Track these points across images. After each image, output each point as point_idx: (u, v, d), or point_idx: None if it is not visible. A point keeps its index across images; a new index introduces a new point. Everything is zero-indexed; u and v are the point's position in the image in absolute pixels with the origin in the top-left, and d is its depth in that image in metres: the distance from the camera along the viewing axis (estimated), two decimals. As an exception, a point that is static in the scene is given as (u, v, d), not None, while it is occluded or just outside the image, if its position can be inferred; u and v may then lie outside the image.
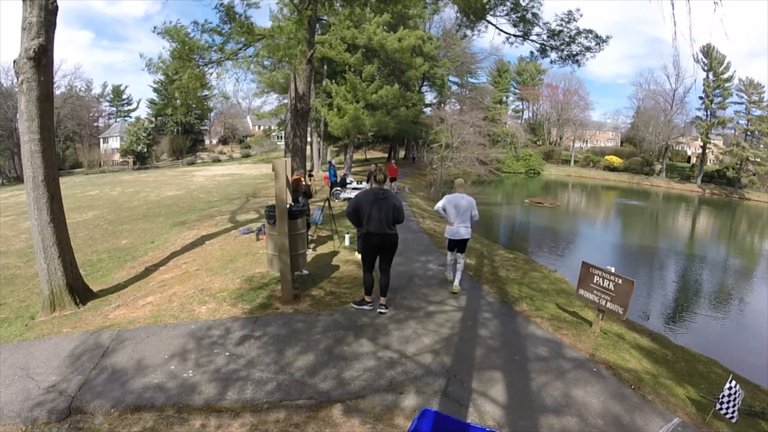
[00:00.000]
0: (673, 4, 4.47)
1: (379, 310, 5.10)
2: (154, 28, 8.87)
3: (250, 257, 7.33)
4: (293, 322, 4.82)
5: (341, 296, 5.69)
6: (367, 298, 5.22)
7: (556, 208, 26.08)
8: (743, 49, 79.63)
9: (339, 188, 15.84)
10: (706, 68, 45.42)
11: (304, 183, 7.33)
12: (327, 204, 9.30)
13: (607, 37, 10.44)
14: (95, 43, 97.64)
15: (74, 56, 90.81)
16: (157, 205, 15.27)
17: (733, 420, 3.48)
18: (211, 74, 10.19)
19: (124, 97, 61.48)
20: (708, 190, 44.80)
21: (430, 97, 41.91)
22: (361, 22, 19.52)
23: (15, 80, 5.29)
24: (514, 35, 11.23)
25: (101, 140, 55.22)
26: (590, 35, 10.49)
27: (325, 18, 11.84)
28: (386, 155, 44.17)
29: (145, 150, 49.29)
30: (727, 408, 3.47)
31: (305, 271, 6.48)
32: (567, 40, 10.68)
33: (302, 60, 9.50)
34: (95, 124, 57.41)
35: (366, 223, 4.92)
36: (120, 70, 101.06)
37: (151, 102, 54.08)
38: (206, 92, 48.47)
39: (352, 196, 13.78)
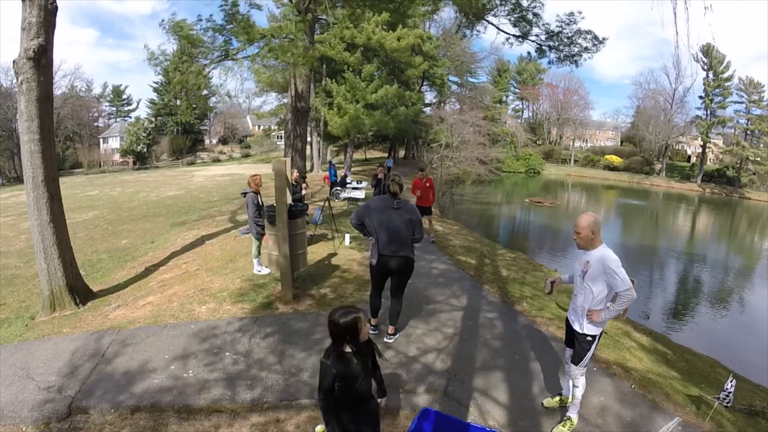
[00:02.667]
0: (675, 13, 4.49)
1: (385, 339, 4.43)
2: (162, 20, 8.89)
3: (250, 257, 7.31)
4: (294, 322, 4.82)
5: (342, 296, 5.69)
6: (372, 321, 4.55)
7: (556, 208, 26.08)
8: (750, 51, 79.70)
9: (339, 188, 15.85)
10: (706, 68, 45.45)
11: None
12: (327, 204, 9.29)
13: (604, 38, 10.49)
14: (100, 42, 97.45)
15: (78, 55, 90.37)
16: (157, 205, 15.25)
17: (728, 404, 3.49)
18: (212, 73, 10.21)
19: (124, 97, 61.47)
20: (708, 189, 44.81)
21: (429, 96, 41.96)
22: (360, 22, 19.50)
23: (15, 80, 5.29)
24: (514, 35, 11.25)
25: (101, 140, 55.20)
26: (589, 36, 10.52)
27: (324, 17, 11.85)
28: (386, 155, 44.14)
29: (145, 150, 49.27)
30: (725, 400, 3.48)
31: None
32: (566, 40, 10.70)
33: (304, 60, 9.50)
34: (95, 124, 57.39)
35: (377, 239, 4.14)
36: (125, 69, 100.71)
37: (151, 102, 54.08)
38: (205, 92, 48.69)
39: (352, 196, 13.80)
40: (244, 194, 6.62)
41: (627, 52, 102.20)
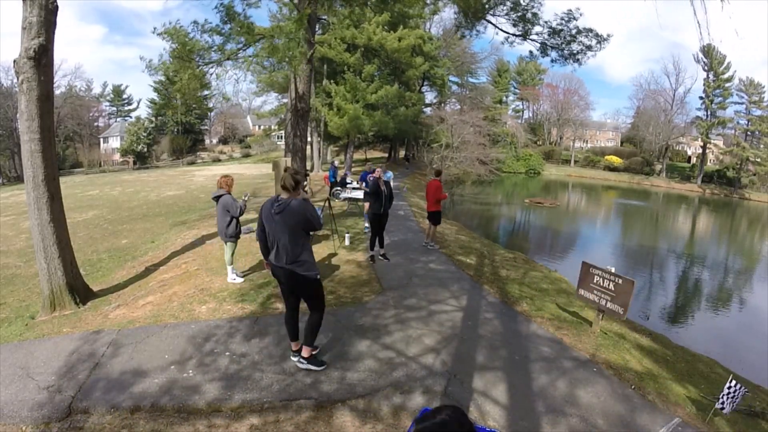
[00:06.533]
0: (694, 9, 4.48)
1: (297, 362, 3.87)
2: (154, 29, 8.84)
3: (250, 257, 7.33)
4: (293, 322, 4.81)
5: (341, 296, 5.69)
6: (293, 346, 4.01)
7: (556, 208, 26.07)
8: (756, 55, 79.09)
9: (339, 188, 15.85)
10: (706, 68, 45.46)
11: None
12: (327, 204, 9.30)
13: (609, 35, 10.43)
14: (107, 39, 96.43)
15: (83, 52, 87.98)
16: (158, 205, 15.26)
17: (725, 411, 3.48)
18: (211, 74, 10.20)
19: (125, 96, 61.49)
20: (708, 190, 44.83)
21: (430, 97, 41.98)
22: (360, 22, 19.52)
23: (15, 80, 5.28)
24: (514, 35, 11.21)
25: (101, 140, 55.21)
26: (590, 34, 10.47)
27: (325, 17, 11.83)
28: (386, 155, 44.12)
29: (146, 150, 49.28)
30: (726, 404, 3.47)
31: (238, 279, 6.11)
32: (567, 38, 10.66)
33: (302, 60, 9.49)
34: (95, 123, 57.40)
35: (271, 249, 3.62)
36: (130, 67, 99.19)
37: (152, 102, 54.10)
38: (206, 92, 48.73)
39: (352, 196, 13.76)
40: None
41: (638, 55, 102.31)
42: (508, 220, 22.89)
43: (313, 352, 3.91)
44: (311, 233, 3.83)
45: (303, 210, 3.42)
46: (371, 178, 7.76)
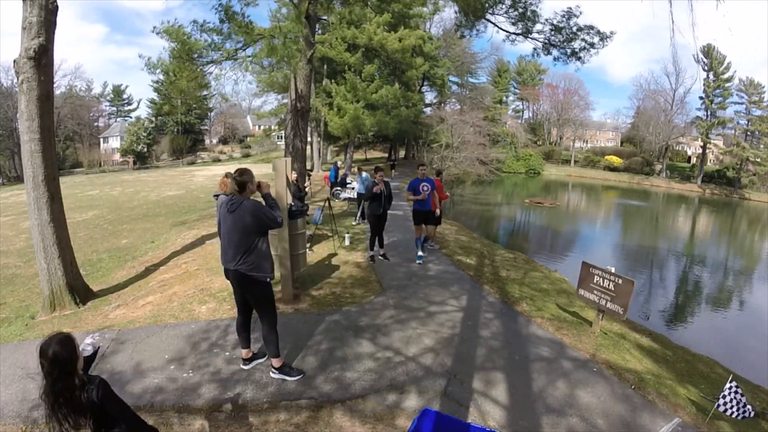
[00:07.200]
0: (670, 2, 4.48)
1: (270, 373, 3.71)
2: (154, 27, 8.85)
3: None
4: (294, 323, 4.81)
5: (341, 296, 5.69)
6: (244, 354, 3.87)
7: (556, 208, 26.06)
8: (758, 55, 78.82)
9: (339, 188, 15.86)
10: (706, 68, 45.43)
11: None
12: (327, 204, 9.30)
13: (612, 32, 10.34)
14: (109, 38, 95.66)
15: (84, 52, 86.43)
16: (158, 205, 15.27)
17: (744, 417, 3.46)
18: (211, 74, 10.21)
19: (125, 96, 61.42)
20: (708, 190, 44.79)
21: (430, 97, 42.00)
22: (361, 22, 19.53)
23: (15, 80, 5.28)
24: (514, 33, 11.16)
25: (101, 140, 55.18)
26: (592, 31, 10.39)
27: (326, 17, 11.82)
28: (386, 155, 44.11)
29: (146, 150, 49.26)
30: (734, 408, 3.45)
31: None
32: (569, 36, 10.60)
33: (302, 59, 9.49)
34: (95, 123, 57.36)
35: (223, 250, 3.53)
36: (131, 66, 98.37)
37: (152, 102, 54.08)
38: (205, 93, 48.74)
39: (352, 196, 13.75)
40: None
41: (639, 55, 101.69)
42: (508, 220, 22.86)
43: (285, 362, 3.76)
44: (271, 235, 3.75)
45: (256, 209, 3.35)
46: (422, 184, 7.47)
